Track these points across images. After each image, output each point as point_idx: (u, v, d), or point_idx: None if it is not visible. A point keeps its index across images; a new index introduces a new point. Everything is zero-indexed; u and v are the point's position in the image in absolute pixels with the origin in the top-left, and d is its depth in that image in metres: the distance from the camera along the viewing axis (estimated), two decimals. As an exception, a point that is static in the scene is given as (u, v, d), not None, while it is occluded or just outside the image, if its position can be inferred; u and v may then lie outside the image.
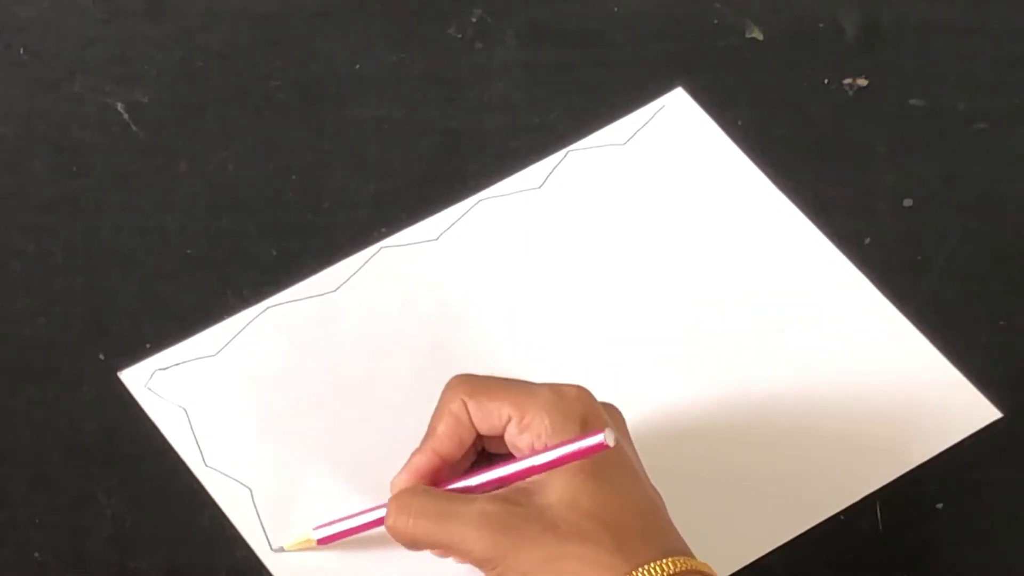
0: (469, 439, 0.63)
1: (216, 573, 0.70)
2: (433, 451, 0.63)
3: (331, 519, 0.68)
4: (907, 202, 0.79)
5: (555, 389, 0.61)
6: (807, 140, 0.81)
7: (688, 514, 0.70)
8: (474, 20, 0.84)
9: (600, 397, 0.73)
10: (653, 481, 0.67)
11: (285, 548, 0.69)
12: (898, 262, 0.78)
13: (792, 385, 0.74)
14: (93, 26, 0.83)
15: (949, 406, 0.74)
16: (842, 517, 0.71)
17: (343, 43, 0.83)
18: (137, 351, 0.75)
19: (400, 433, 0.72)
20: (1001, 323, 0.76)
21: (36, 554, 0.70)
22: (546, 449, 0.59)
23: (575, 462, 0.59)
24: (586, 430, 0.59)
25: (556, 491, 0.59)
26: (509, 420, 0.61)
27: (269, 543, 0.70)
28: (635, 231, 0.79)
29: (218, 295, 0.76)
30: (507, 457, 0.62)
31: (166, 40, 0.83)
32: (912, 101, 0.82)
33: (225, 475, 0.72)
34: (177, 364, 0.74)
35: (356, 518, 0.67)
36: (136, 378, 0.74)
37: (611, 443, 0.57)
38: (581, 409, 0.61)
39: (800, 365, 0.75)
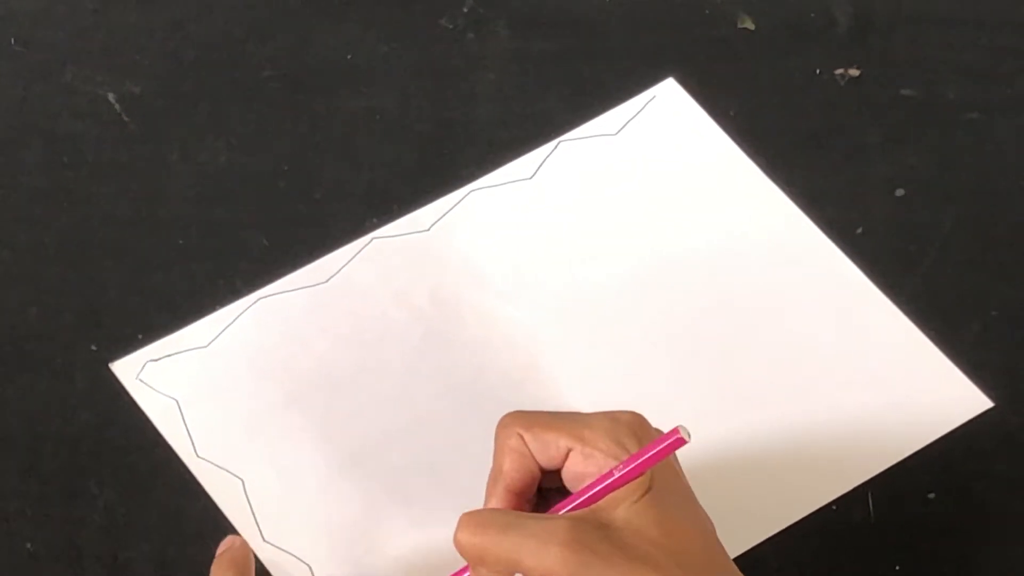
0: (536, 471, 0.61)
1: (208, 564, 0.68)
2: (506, 490, 0.61)
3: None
4: (899, 192, 0.80)
5: (610, 416, 0.60)
6: (799, 130, 0.81)
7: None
8: (466, 10, 0.84)
9: (592, 382, 0.74)
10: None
11: None
12: (890, 252, 0.78)
13: (784, 375, 0.74)
14: (85, 16, 0.83)
15: (940, 396, 0.74)
16: (834, 507, 0.71)
17: (335, 34, 0.83)
18: (129, 342, 0.75)
19: (392, 423, 0.73)
20: (993, 312, 0.76)
21: (28, 545, 0.70)
22: (625, 460, 0.58)
23: (636, 489, 0.57)
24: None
25: (621, 517, 0.57)
26: (568, 452, 0.60)
27: (261, 533, 0.70)
28: (627, 222, 0.79)
29: (210, 286, 0.76)
30: (560, 492, 0.61)
31: (158, 30, 0.83)
32: (904, 91, 0.82)
33: (217, 466, 0.72)
34: (169, 355, 0.74)
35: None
36: (127, 369, 0.74)
37: (687, 438, 0.57)
38: (638, 431, 0.59)
39: (792, 356, 0.75)
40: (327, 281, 0.76)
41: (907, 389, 0.74)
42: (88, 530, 0.70)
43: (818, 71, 0.83)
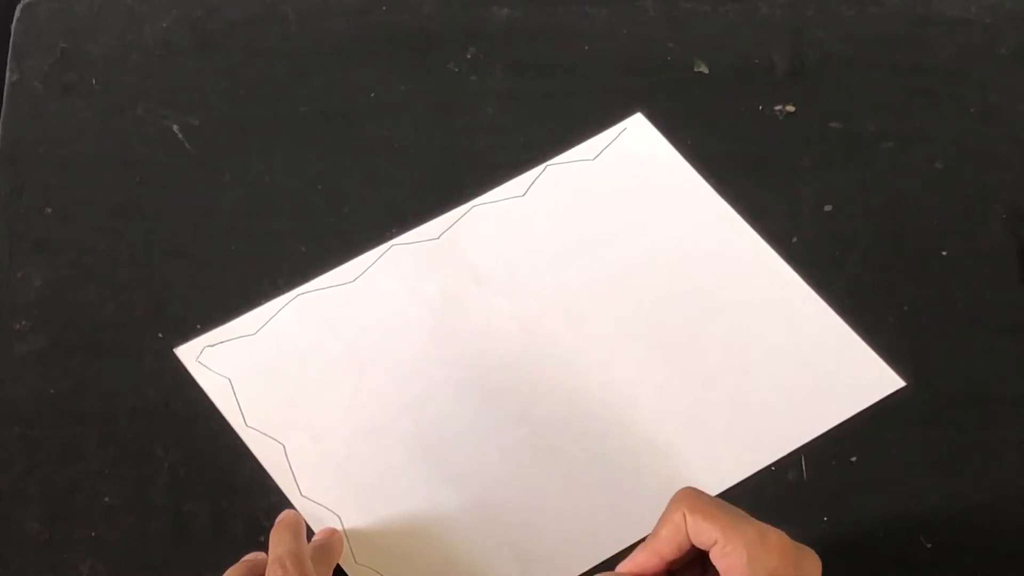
0: (687, 546, 0.59)
1: (254, 514, 0.70)
2: (654, 551, 0.59)
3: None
4: (827, 208, 0.79)
5: (761, 530, 0.57)
6: (745, 156, 0.81)
7: (647, 466, 0.71)
8: (468, 57, 0.84)
9: (573, 365, 0.73)
10: (627, 435, 0.66)
11: None
12: (820, 257, 0.78)
13: (732, 359, 0.74)
14: (153, 61, 0.83)
15: (862, 376, 0.74)
16: (773, 468, 0.72)
17: (361, 76, 0.83)
18: (189, 331, 0.75)
19: (407, 398, 0.73)
20: (904, 308, 0.76)
21: (106, 499, 0.71)
22: None
23: None
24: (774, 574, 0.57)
25: None
26: (716, 542, 0.58)
27: (299, 489, 0.70)
28: (602, 231, 0.78)
29: (257, 284, 0.76)
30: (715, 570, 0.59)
31: (213, 73, 0.82)
32: (832, 124, 0.82)
33: (263, 434, 0.72)
34: (223, 341, 0.74)
35: None
36: (189, 353, 0.74)
37: None
38: (776, 555, 0.57)
39: (739, 342, 0.75)
40: (354, 281, 0.76)
41: (834, 370, 0.74)
42: (155, 487, 0.71)
43: (760, 107, 0.82)
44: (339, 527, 0.69)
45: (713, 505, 0.59)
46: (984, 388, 0.74)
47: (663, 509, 0.60)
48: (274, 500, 0.70)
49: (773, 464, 0.72)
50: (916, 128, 0.82)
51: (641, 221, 0.79)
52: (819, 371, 0.74)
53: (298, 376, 0.73)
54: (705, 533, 0.58)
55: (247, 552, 0.68)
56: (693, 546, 0.59)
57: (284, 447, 0.71)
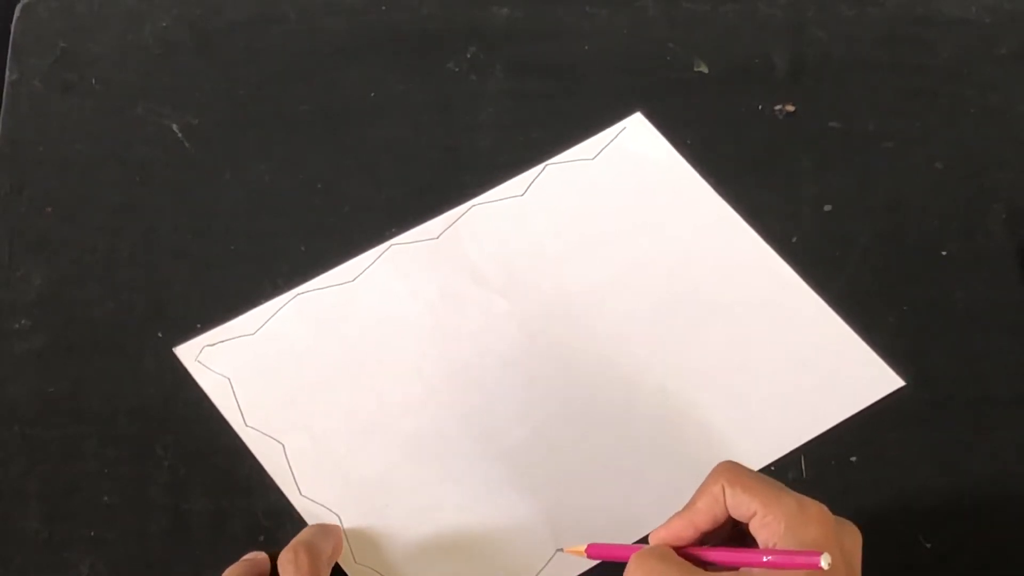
0: (722, 518, 0.59)
1: (254, 513, 0.70)
2: (690, 521, 0.60)
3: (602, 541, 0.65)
4: (827, 208, 0.79)
5: (800, 501, 0.58)
6: (745, 156, 0.81)
7: (647, 466, 0.71)
8: (469, 56, 0.83)
9: (572, 366, 0.73)
10: (626, 435, 0.67)
11: (564, 550, 0.68)
12: (819, 257, 0.78)
13: (732, 359, 0.74)
14: (152, 60, 0.83)
15: (861, 376, 0.74)
16: (772, 468, 0.72)
17: (360, 75, 0.83)
18: (189, 330, 0.75)
19: (406, 397, 0.73)
20: (904, 307, 0.76)
21: (105, 498, 0.71)
22: (774, 550, 0.57)
23: (800, 572, 0.56)
24: (812, 547, 0.56)
25: None
26: (755, 513, 0.58)
27: (298, 489, 0.70)
28: (602, 231, 0.78)
29: (256, 284, 0.76)
30: (753, 542, 0.59)
31: (213, 72, 0.82)
32: (831, 124, 0.82)
33: (262, 433, 0.72)
34: (222, 341, 0.74)
35: (623, 550, 0.62)
36: (188, 353, 0.74)
37: (825, 566, 0.54)
38: (815, 526, 0.57)
39: (739, 342, 0.75)
40: (353, 280, 0.76)
41: (833, 370, 0.74)
42: (155, 486, 0.71)
43: (760, 107, 0.82)
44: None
45: (752, 477, 0.59)
46: (984, 388, 0.74)
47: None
48: (273, 499, 0.70)
49: (773, 464, 0.72)
50: (916, 128, 0.82)
51: (640, 221, 0.78)
52: (819, 371, 0.74)
53: (297, 375, 0.73)
54: (744, 505, 0.58)
55: (247, 551, 0.68)
56: (727, 520, 0.59)
57: (283, 446, 0.71)
